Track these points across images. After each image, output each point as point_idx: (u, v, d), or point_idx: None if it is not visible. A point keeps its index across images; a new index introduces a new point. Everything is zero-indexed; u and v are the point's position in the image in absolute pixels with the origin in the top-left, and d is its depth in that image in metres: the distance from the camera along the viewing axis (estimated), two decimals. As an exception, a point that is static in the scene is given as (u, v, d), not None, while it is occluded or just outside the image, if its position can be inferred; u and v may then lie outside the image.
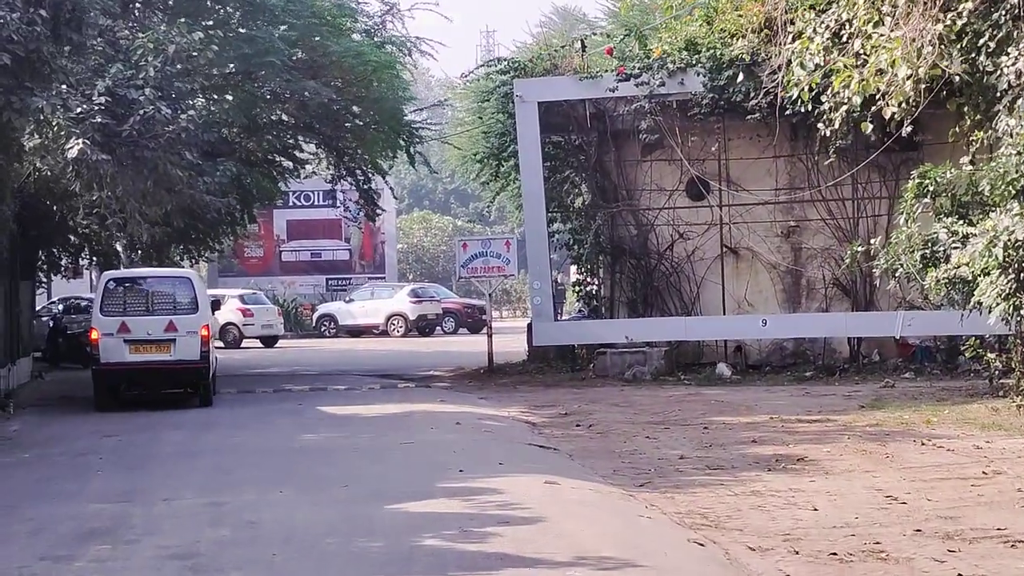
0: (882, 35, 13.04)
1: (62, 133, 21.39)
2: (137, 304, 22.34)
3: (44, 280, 36.47)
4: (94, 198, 22.69)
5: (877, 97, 14.27)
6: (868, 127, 14.88)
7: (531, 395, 23.94)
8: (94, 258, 34.97)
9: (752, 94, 25.18)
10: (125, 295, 22.49)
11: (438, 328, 51.55)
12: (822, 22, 16.34)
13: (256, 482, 13.79)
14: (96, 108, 21.33)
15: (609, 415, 20.15)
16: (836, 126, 16.76)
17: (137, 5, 26.42)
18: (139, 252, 33.30)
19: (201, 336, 22.12)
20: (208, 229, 30.23)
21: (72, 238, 31.97)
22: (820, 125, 17.72)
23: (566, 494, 12.71)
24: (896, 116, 14.57)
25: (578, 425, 19.07)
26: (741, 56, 24.92)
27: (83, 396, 24.29)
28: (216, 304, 26.90)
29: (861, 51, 13.92)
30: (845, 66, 13.78)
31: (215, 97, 27.37)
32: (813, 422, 18.48)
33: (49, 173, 22.53)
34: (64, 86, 20.15)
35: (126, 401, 22.99)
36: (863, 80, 12.90)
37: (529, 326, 29.11)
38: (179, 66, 22.46)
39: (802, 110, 20.84)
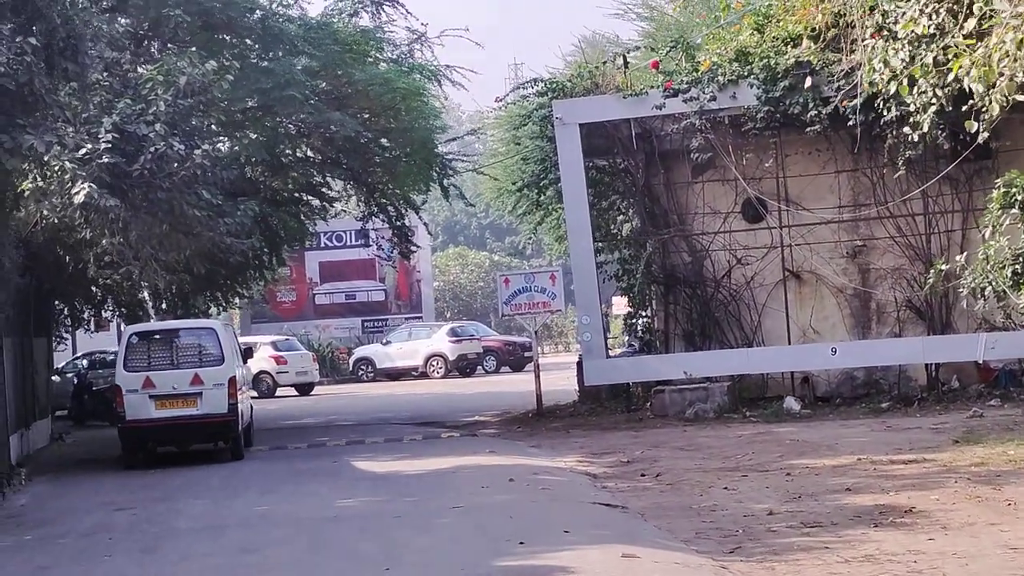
0: (1001, 11, 11.18)
1: (66, 176, 19.79)
2: (161, 358, 21.58)
3: (65, 335, 34.76)
4: (105, 245, 21.02)
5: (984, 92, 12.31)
6: (973, 126, 12.97)
7: (586, 441, 22.00)
8: (119, 310, 33.26)
9: (811, 104, 23.36)
10: (149, 349, 21.73)
11: (479, 368, 49.75)
12: (904, 13, 14.35)
13: (285, 566, 11.91)
14: (103, 147, 19.74)
15: (676, 462, 18.23)
16: (925, 129, 14.82)
17: (154, 42, 24.71)
18: (164, 302, 31.81)
19: (228, 388, 21.27)
20: (233, 274, 28.43)
21: (94, 289, 30.23)
22: (907, 129, 15.79)
23: (650, 570, 10.77)
24: (996, 115, 12.64)
25: (643, 475, 17.16)
26: (804, 60, 23.00)
27: (104, 458, 22.86)
28: (248, 352, 25.44)
29: (974, 32, 12.02)
30: (963, 49, 11.85)
31: (237, 135, 25.71)
32: (908, 463, 16.49)
33: (56, 220, 20.79)
34: (63, 123, 18.59)
35: (156, 458, 21.90)
36: (986, 65, 11.00)
37: (579, 364, 27.16)
38: (191, 99, 20.75)
39: (885, 115, 19.01)
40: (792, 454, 18.18)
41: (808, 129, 23.60)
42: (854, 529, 12.28)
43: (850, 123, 22.74)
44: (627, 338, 31.29)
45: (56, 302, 30.72)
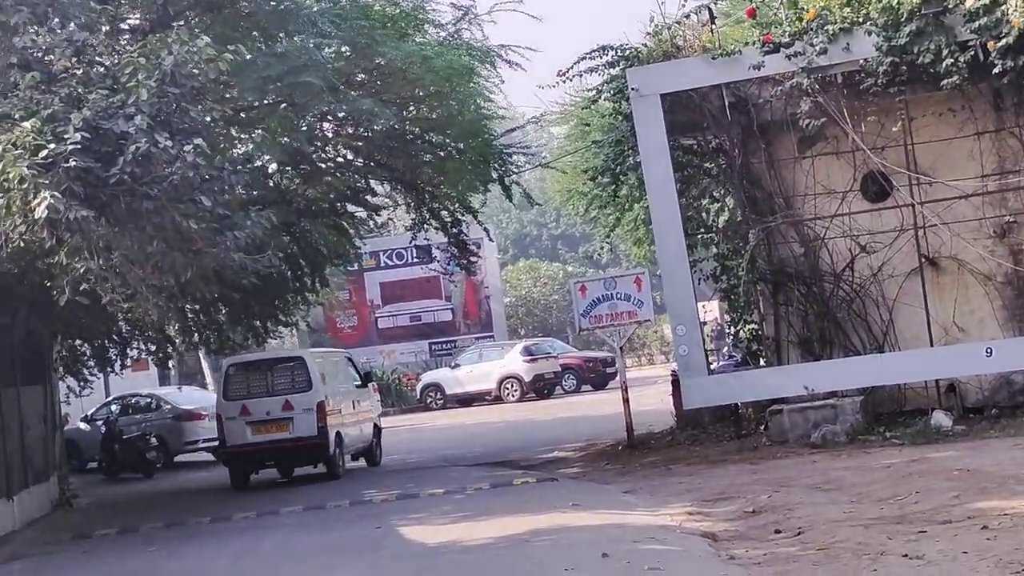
0: None
1: (24, 186, 15.85)
2: (257, 387, 23.36)
3: (91, 378, 30.75)
4: (81, 270, 17.00)
5: None
6: None
7: (693, 480, 17.66)
8: (146, 347, 29.41)
9: (946, 52, 18.93)
10: (246, 379, 23.53)
11: (557, 387, 45.52)
12: None
13: None
14: (71, 148, 15.77)
15: (817, 508, 13.91)
16: None
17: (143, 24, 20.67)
18: (195, 336, 28.11)
19: (317, 412, 22.84)
20: (258, 299, 24.40)
21: (120, 324, 26.26)
22: None
23: None
24: None
25: (778, 531, 12.90)
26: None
27: (114, 526, 19.14)
28: (367, 377, 27.79)
29: None
30: None
31: (247, 131, 21.70)
32: None
33: (22, 243, 16.82)
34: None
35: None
36: None
37: (674, 381, 22.81)
38: (179, 89, 16.62)
39: None
40: (970, 492, 13.78)
41: (944, 83, 19.13)
42: None
43: (995, 71, 18.43)
44: (726, 349, 26.94)
45: (70, 340, 26.85)
